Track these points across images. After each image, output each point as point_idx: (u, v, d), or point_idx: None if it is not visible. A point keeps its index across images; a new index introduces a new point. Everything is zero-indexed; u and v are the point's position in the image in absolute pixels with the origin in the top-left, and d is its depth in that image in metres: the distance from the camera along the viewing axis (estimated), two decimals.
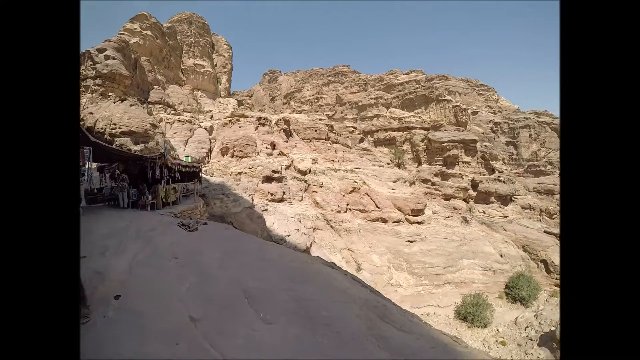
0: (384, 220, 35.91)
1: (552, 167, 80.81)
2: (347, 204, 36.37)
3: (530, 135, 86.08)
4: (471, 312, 28.47)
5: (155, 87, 54.90)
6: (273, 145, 45.62)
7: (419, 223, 37.74)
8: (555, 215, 62.83)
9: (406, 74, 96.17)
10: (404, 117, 77.17)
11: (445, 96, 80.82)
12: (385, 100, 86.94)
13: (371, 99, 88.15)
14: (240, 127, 47.66)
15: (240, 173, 36.30)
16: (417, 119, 75.89)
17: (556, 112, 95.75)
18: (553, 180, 77.47)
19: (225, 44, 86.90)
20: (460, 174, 52.93)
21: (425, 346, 5.61)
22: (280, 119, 51.34)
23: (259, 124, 48.48)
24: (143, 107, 39.80)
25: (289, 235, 28.02)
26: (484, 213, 49.09)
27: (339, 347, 4.79)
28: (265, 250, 9.96)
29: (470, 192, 51.74)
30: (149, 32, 58.38)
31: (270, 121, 50.34)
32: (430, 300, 30.18)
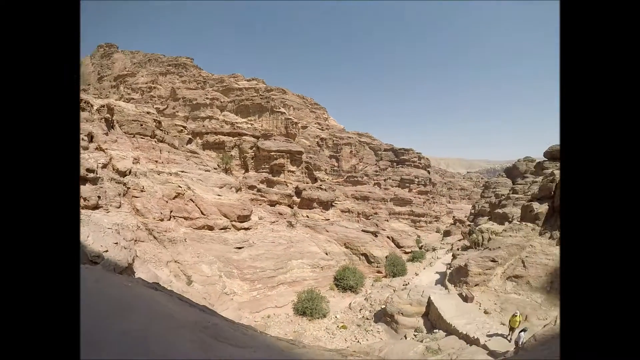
0: (211, 228, 34.24)
1: (368, 178, 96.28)
2: (171, 211, 32.96)
3: (351, 151, 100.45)
4: (309, 307, 30.89)
5: None
6: (90, 137, 37.03)
7: (245, 229, 37.73)
8: (370, 217, 74.44)
9: (247, 81, 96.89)
10: (237, 123, 77.24)
11: (280, 108, 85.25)
12: (221, 102, 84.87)
13: (207, 98, 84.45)
14: None
15: None
16: (250, 126, 77.28)
17: (375, 133, 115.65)
18: (368, 188, 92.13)
19: None
20: (285, 181, 56.41)
21: (263, 357, 5.78)
22: (104, 106, 42.40)
23: None
24: None
25: (106, 251, 22.92)
26: (308, 217, 53.65)
27: None
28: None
29: (295, 198, 55.64)
30: None
31: (92, 106, 40.91)
32: (268, 303, 30.96)
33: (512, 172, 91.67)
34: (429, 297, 30.60)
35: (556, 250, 29.27)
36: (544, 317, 21.87)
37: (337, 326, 30.09)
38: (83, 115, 38.52)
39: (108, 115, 41.88)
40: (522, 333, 17.44)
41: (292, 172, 59.52)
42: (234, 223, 36.64)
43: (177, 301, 8.22)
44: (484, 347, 19.82)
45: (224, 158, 56.57)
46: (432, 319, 28.16)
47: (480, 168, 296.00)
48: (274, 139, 63.50)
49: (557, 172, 40.28)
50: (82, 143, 35.17)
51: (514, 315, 19.48)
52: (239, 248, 33.99)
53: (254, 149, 59.15)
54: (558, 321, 15.90)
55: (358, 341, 27.10)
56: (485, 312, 26.18)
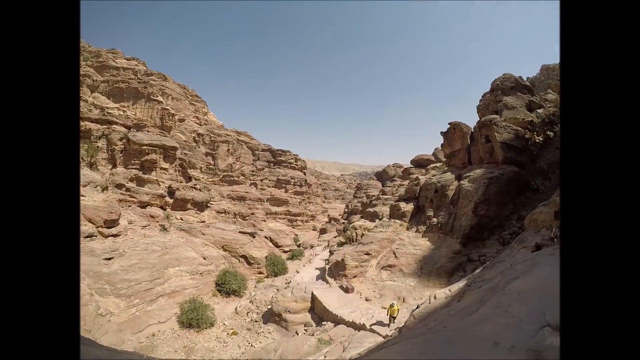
0: None
1: (244, 178, 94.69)
2: None
3: (228, 149, 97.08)
4: (194, 317, 28.70)
5: None
6: None
7: (114, 236, 32.60)
8: (247, 217, 73.48)
9: (127, 60, 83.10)
10: (108, 108, 65.43)
11: (157, 96, 76.23)
12: (93, 81, 69.30)
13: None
14: None
15: None
16: (122, 113, 66.56)
17: (253, 133, 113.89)
18: (245, 188, 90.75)
19: None
20: (157, 180, 50.71)
21: None
22: None
23: None
24: None
25: None
26: (182, 220, 49.70)
27: None
28: None
29: (167, 199, 50.76)
30: None
31: None
32: (150, 319, 27.41)
33: (382, 176, 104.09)
34: (312, 293, 32.54)
35: (422, 241, 35.11)
36: (419, 298, 25.97)
37: (228, 333, 29.12)
38: None
39: None
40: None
41: (165, 169, 53.72)
42: (100, 229, 31.09)
43: None
44: (371, 330, 22.46)
45: (89, 150, 46.19)
46: (319, 313, 30.11)
47: (353, 171, 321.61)
48: (147, 131, 56.23)
49: (422, 177, 48.13)
50: None
51: (392, 306, 22.17)
52: (109, 259, 29.07)
53: (124, 140, 50.75)
54: (432, 300, 19.22)
55: (252, 345, 26.85)
56: (367, 300, 29.54)
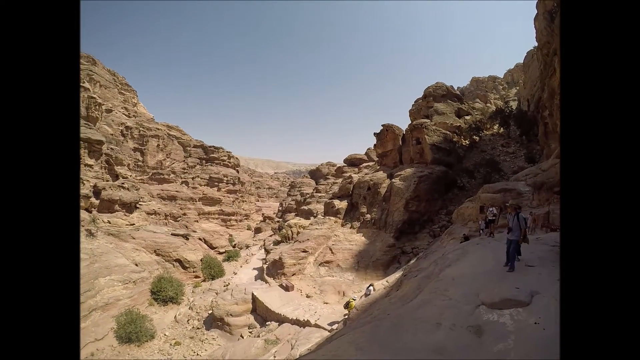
0: None
1: (175, 176, 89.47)
2: None
3: (158, 145, 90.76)
4: (132, 331, 27.13)
5: None
6: None
7: None
8: (179, 218, 69.73)
9: None
10: None
11: (84, 82, 68.11)
12: None
13: None
14: None
15: None
16: None
17: (185, 127, 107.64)
18: (175, 187, 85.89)
19: None
20: (81, 178, 45.95)
21: None
22: None
23: None
24: None
25: None
26: (110, 223, 45.92)
27: None
28: None
29: (93, 200, 46.36)
30: None
31: None
32: (85, 338, 24.99)
33: (316, 174, 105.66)
34: (253, 293, 32.72)
35: (357, 237, 37.19)
36: (359, 290, 27.62)
37: (171, 344, 28.18)
38: None
39: None
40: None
41: (90, 166, 48.66)
42: None
43: None
44: (316, 326, 23.44)
45: None
46: (261, 313, 30.40)
47: (287, 169, 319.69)
48: None
49: (355, 176, 50.49)
50: None
51: (352, 301, 22.83)
52: None
53: None
54: (372, 292, 20.56)
55: (197, 354, 26.45)
56: (308, 297, 30.55)
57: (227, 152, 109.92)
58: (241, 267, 53.76)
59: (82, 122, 53.91)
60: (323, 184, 75.35)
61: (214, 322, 30.86)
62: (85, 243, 36.02)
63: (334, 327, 21.46)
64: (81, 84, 67.78)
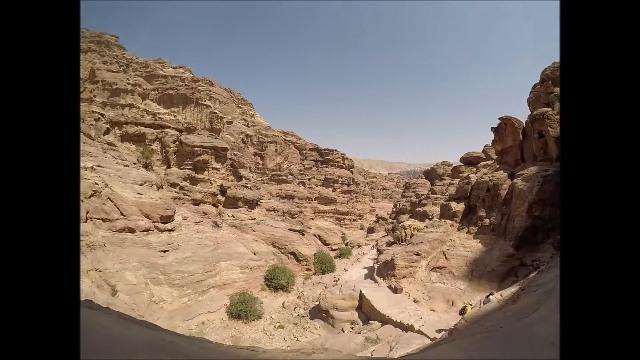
0: (132, 230, 30.42)
1: (292, 177, 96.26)
2: (87, 212, 28.37)
3: (276, 149, 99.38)
4: (243, 309, 29.54)
5: None
6: None
7: (169, 230, 34.52)
8: (296, 215, 74.49)
9: (174, 68, 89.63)
10: (159, 113, 70.64)
11: (205, 101, 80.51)
12: (143, 89, 76.18)
13: (129, 84, 74.91)
14: None
15: None
16: (172, 117, 71.44)
17: (300, 133, 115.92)
18: (293, 187, 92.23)
19: None
20: (209, 179, 53.33)
21: None
22: None
23: None
24: None
25: None
26: (233, 217, 51.49)
27: None
28: None
29: (219, 197, 53.02)
30: None
31: None
32: (200, 309, 28.66)
33: (431, 174, 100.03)
34: (360, 291, 31.87)
35: (473, 243, 32.74)
36: (469, 302, 24.22)
37: (274, 326, 29.52)
38: None
39: None
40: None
41: (217, 169, 56.36)
42: (156, 224, 33.16)
43: (118, 319, 6.94)
44: (419, 332, 21.23)
45: (144, 152, 50.42)
46: (366, 311, 29.34)
47: (401, 170, 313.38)
48: (198, 134, 59.33)
49: (473, 176, 45.10)
50: None
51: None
52: (164, 251, 30.88)
53: (176, 143, 54.17)
54: (482, 305, 17.73)
55: (297, 339, 26.86)
56: (415, 301, 28.10)
57: (341, 154, 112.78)
58: (352, 265, 53.62)
59: (207, 133, 62.97)
60: (439, 185, 69.98)
61: (318, 313, 31.09)
62: (211, 232, 40.78)
63: (438, 335, 19.02)
64: (203, 102, 79.56)
